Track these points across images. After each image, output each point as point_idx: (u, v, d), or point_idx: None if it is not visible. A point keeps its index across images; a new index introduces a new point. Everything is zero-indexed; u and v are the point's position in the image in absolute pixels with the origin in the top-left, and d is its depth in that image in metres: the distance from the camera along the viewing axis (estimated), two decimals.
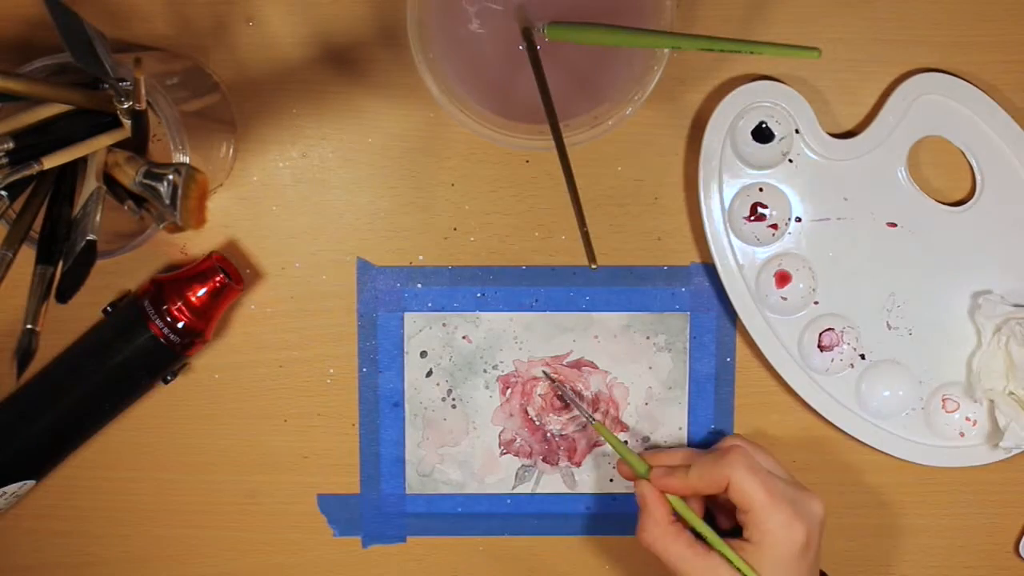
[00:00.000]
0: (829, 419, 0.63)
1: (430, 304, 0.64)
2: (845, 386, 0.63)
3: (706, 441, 0.65)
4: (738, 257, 0.62)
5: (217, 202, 0.62)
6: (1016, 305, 0.62)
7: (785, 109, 0.61)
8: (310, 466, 0.65)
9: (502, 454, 0.65)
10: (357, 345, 0.64)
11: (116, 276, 0.63)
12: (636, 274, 0.64)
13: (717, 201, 0.61)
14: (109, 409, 0.62)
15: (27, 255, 0.51)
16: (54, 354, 0.62)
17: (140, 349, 0.60)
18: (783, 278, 0.62)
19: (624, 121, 0.53)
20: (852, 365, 0.63)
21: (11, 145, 0.50)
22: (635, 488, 0.59)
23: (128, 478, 0.65)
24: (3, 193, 0.52)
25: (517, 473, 0.66)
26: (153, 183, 0.49)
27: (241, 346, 0.64)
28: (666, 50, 0.52)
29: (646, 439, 0.65)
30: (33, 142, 0.51)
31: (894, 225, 0.62)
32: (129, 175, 0.50)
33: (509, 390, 0.65)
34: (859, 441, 0.64)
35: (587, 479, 0.66)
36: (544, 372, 0.63)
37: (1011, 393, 0.61)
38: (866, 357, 0.63)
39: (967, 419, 0.63)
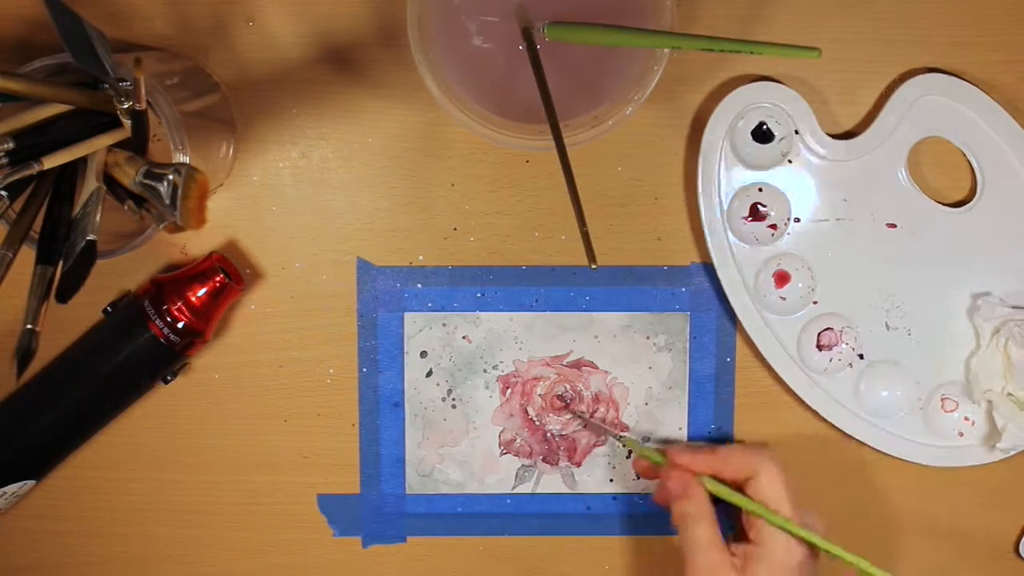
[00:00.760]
0: (828, 419, 0.63)
1: (430, 304, 0.64)
2: (844, 386, 0.63)
3: (706, 441, 0.65)
4: (737, 257, 0.62)
5: (217, 202, 0.62)
6: (1015, 307, 0.62)
7: (785, 109, 0.61)
8: (310, 466, 0.65)
9: (502, 454, 0.65)
10: (357, 345, 0.64)
11: (116, 276, 0.63)
12: (636, 274, 0.64)
13: (716, 201, 0.61)
14: (109, 409, 0.62)
15: (27, 255, 0.51)
16: (54, 354, 0.62)
17: (140, 349, 0.60)
18: (782, 278, 0.62)
19: (624, 121, 0.53)
20: (851, 365, 0.63)
21: (11, 145, 0.50)
22: (665, 478, 0.59)
23: (128, 478, 0.65)
24: (3, 193, 0.52)
25: (517, 473, 0.66)
26: (153, 183, 0.49)
27: (241, 346, 0.64)
28: (666, 50, 0.52)
29: (646, 439, 0.65)
30: (33, 142, 0.51)
31: (894, 226, 0.62)
32: (129, 175, 0.50)
33: (509, 390, 0.65)
34: (858, 441, 0.64)
35: (587, 479, 0.66)
36: (576, 412, 0.63)
37: (1009, 394, 0.62)
38: (865, 357, 0.63)
39: (965, 419, 0.63)
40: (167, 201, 0.49)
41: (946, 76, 0.61)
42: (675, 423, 0.65)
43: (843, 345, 0.63)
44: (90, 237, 0.48)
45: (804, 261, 0.62)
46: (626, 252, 0.63)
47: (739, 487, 0.58)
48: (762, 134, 0.61)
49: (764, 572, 0.55)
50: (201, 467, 0.65)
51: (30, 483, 0.62)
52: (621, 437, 0.62)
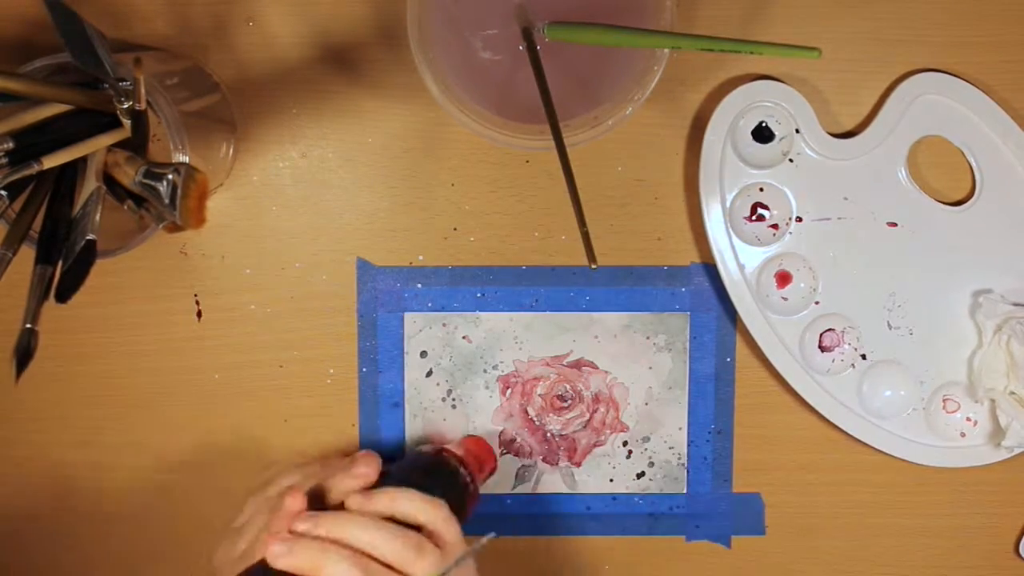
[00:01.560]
0: (830, 419, 0.63)
1: (430, 304, 0.64)
2: (846, 386, 0.63)
3: (706, 441, 0.65)
4: (739, 257, 0.62)
5: (217, 202, 0.62)
6: (1017, 304, 0.62)
7: (785, 109, 0.61)
8: None
9: (502, 454, 0.65)
10: (357, 345, 0.64)
11: (116, 276, 0.63)
12: (636, 274, 0.64)
13: (717, 201, 0.61)
14: None
15: (27, 255, 0.51)
16: (52, 354, 0.62)
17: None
18: (784, 278, 0.62)
19: (624, 121, 0.53)
20: (853, 365, 0.63)
21: (11, 145, 0.50)
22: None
23: (128, 478, 0.65)
24: (3, 193, 0.52)
25: (517, 473, 0.66)
26: (153, 183, 0.49)
27: (241, 346, 0.64)
28: (666, 50, 0.52)
29: (646, 439, 0.65)
30: (33, 142, 0.51)
31: (894, 225, 0.62)
32: (129, 175, 0.50)
33: (509, 390, 0.65)
34: (860, 441, 0.64)
35: (587, 479, 0.66)
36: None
37: (1012, 392, 0.61)
38: (867, 357, 0.63)
39: (968, 419, 0.63)
40: (167, 201, 0.49)
41: (946, 76, 0.61)
42: (675, 423, 0.65)
43: (845, 346, 0.63)
44: (90, 237, 0.48)
45: (806, 261, 0.62)
46: (626, 252, 0.63)
47: None
48: (763, 133, 0.61)
49: None
50: (201, 467, 0.65)
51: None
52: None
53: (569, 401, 0.65)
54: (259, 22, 0.61)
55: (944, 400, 0.63)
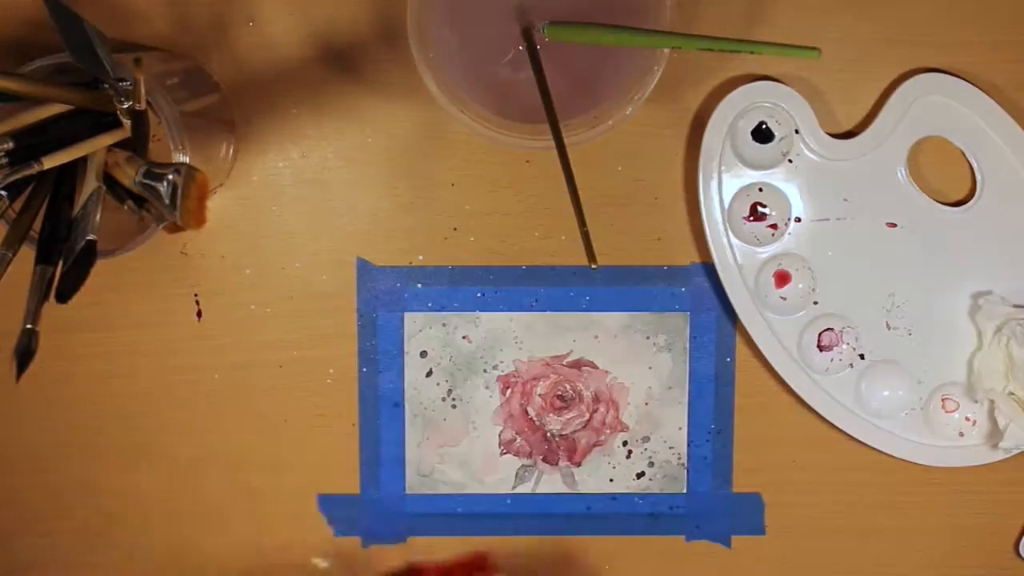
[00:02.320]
0: (829, 419, 0.63)
1: (430, 304, 0.64)
2: (845, 386, 0.63)
3: (706, 441, 0.65)
4: (738, 257, 0.62)
5: (217, 202, 0.62)
6: (1017, 305, 0.62)
7: (785, 109, 0.61)
8: (310, 466, 0.65)
9: (502, 454, 0.65)
10: (357, 345, 0.64)
11: (116, 276, 0.63)
12: (636, 274, 0.64)
13: (717, 201, 0.61)
14: None
15: (27, 255, 0.51)
16: (50, 350, 0.62)
17: None
18: (783, 278, 0.62)
19: (624, 121, 0.53)
20: (852, 365, 0.63)
21: (11, 145, 0.50)
22: None
23: (128, 478, 0.65)
24: (3, 193, 0.52)
25: (517, 473, 0.66)
26: (153, 183, 0.49)
27: (241, 346, 0.64)
28: (666, 50, 0.52)
29: (646, 439, 0.65)
30: (33, 142, 0.51)
31: (894, 225, 0.62)
32: (129, 175, 0.50)
33: (509, 390, 0.65)
34: (859, 441, 0.64)
35: (587, 479, 0.66)
36: None
37: (1011, 393, 0.61)
38: (866, 357, 0.63)
39: (967, 419, 0.63)
40: (167, 201, 0.49)
41: (946, 76, 0.61)
42: (675, 423, 0.65)
43: (844, 345, 0.63)
44: (90, 237, 0.48)
45: (805, 261, 0.62)
46: (626, 252, 0.63)
47: None
48: (762, 134, 0.61)
49: None
50: (201, 467, 0.65)
51: None
52: None
53: (569, 401, 0.65)
54: (259, 22, 0.61)
55: (943, 400, 0.63)
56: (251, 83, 0.62)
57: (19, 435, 0.65)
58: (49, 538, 0.66)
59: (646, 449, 0.65)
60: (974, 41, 0.61)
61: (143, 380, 0.64)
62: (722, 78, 0.62)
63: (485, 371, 0.65)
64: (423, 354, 0.64)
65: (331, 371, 0.64)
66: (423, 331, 0.64)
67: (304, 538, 0.66)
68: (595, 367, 0.65)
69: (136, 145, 0.52)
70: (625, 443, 0.65)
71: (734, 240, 0.62)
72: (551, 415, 0.65)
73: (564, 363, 0.65)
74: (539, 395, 0.65)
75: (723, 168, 0.61)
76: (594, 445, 0.65)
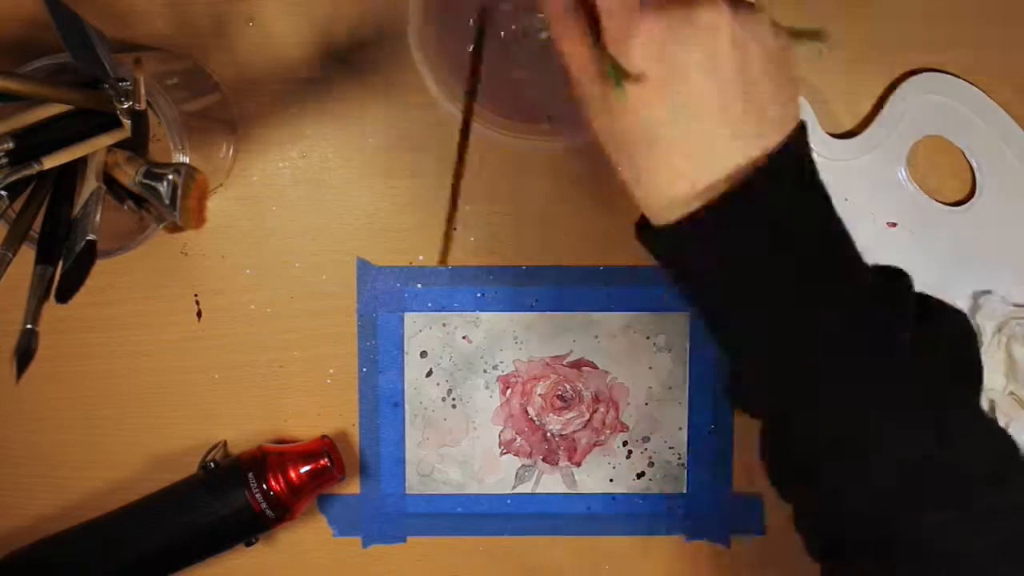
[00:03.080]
0: None
1: (430, 304, 0.64)
2: None
3: (706, 442, 0.65)
4: None
5: (217, 202, 0.62)
6: (1016, 305, 0.62)
7: None
8: None
9: (502, 454, 0.65)
10: (357, 345, 0.64)
11: (116, 276, 0.63)
12: (636, 274, 0.64)
13: None
14: (183, 561, 0.62)
15: (27, 255, 0.51)
16: (47, 346, 0.62)
17: (233, 515, 0.61)
18: None
19: None
20: None
21: (11, 145, 0.50)
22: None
23: (127, 478, 0.65)
24: (3, 193, 0.52)
25: (517, 473, 0.66)
26: (153, 183, 0.49)
27: (241, 346, 0.64)
28: None
29: (646, 439, 0.65)
30: (33, 142, 0.51)
31: (894, 225, 0.62)
32: (129, 175, 0.50)
33: (509, 390, 0.65)
34: None
35: (587, 479, 0.66)
36: None
37: (1011, 393, 0.61)
38: None
39: None
40: (167, 201, 0.49)
41: (946, 76, 0.61)
42: (675, 423, 0.65)
43: None
44: (90, 237, 0.48)
45: None
46: (626, 252, 0.63)
47: None
48: None
49: None
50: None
51: None
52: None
53: (569, 401, 0.65)
54: (259, 22, 0.61)
55: None
56: (251, 83, 0.62)
57: (19, 435, 0.65)
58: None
59: (646, 449, 0.65)
60: (975, 41, 0.61)
61: (143, 380, 0.64)
62: None
63: (485, 371, 0.65)
64: (423, 354, 0.64)
65: (331, 371, 0.64)
66: (423, 331, 0.64)
67: (304, 538, 0.66)
68: (595, 367, 0.65)
69: (136, 145, 0.52)
70: (625, 443, 0.65)
71: None
72: (551, 415, 0.65)
73: (564, 363, 0.65)
74: (539, 395, 0.65)
75: None
76: (594, 445, 0.65)
